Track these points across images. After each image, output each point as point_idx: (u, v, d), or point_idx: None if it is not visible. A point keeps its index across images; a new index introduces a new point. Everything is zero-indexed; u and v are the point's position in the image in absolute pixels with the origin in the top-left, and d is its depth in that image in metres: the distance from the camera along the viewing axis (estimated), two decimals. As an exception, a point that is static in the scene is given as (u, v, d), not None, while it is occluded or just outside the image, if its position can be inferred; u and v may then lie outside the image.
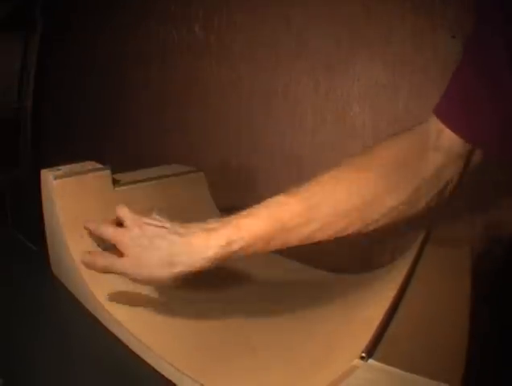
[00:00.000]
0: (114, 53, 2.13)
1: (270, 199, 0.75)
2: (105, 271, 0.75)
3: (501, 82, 0.64)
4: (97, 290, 0.87)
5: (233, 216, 0.73)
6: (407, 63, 1.14)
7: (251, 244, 0.70)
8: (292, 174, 1.54)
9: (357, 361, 0.48)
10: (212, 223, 0.73)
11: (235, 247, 0.69)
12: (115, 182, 1.03)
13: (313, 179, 0.72)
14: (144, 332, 0.78)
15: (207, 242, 0.70)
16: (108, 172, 1.01)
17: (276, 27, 1.51)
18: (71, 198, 0.95)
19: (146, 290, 0.90)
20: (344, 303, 0.81)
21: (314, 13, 1.41)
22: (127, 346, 0.79)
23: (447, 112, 0.70)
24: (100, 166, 1.02)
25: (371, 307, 0.68)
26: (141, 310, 0.85)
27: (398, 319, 0.56)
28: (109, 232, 0.76)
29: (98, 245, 0.82)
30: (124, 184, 1.04)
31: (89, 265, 0.77)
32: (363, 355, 0.48)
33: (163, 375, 0.72)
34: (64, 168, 0.98)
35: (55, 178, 0.93)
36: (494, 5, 0.64)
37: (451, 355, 0.50)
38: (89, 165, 1.02)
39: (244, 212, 0.73)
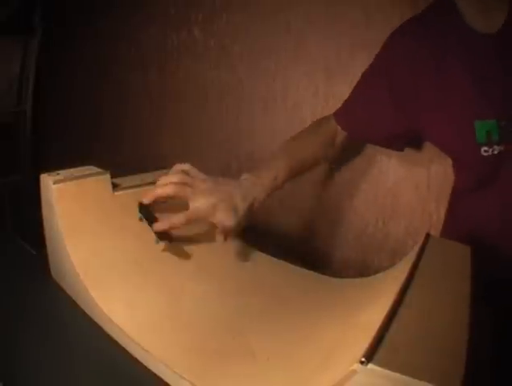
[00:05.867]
0: (114, 56, 2.14)
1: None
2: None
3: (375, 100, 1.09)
4: (96, 294, 0.87)
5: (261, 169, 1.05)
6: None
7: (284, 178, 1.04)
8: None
9: (357, 365, 0.48)
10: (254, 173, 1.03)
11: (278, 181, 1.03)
12: (114, 187, 1.03)
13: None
14: (142, 335, 0.78)
15: (262, 180, 1.01)
16: (107, 176, 1.01)
17: (276, 31, 1.51)
18: (70, 202, 0.95)
19: (144, 294, 0.90)
20: (344, 307, 0.81)
21: (314, 17, 1.41)
22: (126, 350, 0.79)
23: (339, 117, 1.17)
24: (99, 170, 1.02)
25: (371, 311, 0.68)
26: (139, 313, 0.85)
27: (398, 323, 0.56)
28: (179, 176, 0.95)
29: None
30: (123, 188, 1.04)
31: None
32: (363, 359, 0.48)
33: (161, 379, 0.72)
34: (64, 172, 0.98)
35: (55, 182, 0.93)
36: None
37: (451, 359, 0.50)
38: (89, 169, 1.02)
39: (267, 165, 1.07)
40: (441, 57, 0.96)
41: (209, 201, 0.90)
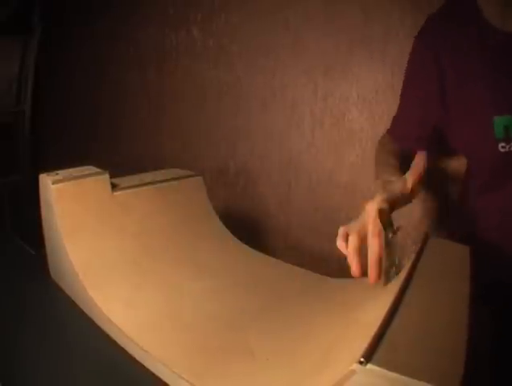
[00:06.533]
0: (112, 56, 2.14)
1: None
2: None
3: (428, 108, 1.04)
4: (96, 294, 0.87)
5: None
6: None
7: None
8: (290, 178, 1.54)
9: (356, 365, 0.48)
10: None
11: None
12: (113, 187, 1.03)
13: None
14: (142, 335, 0.78)
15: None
16: (106, 176, 1.01)
17: (274, 30, 1.51)
18: (69, 202, 0.95)
19: (143, 294, 0.90)
20: (344, 307, 0.81)
21: (312, 15, 1.41)
22: (125, 349, 0.79)
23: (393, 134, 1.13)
24: (98, 170, 1.02)
25: (370, 311, 0.68)
26: (138, 313, 0.85)
27: (397, 323, 0.56)
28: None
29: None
30: (122, 188, 1.04)
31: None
32: (362, 359, 0.48)
33: (160, 378, 0.72)
34: (63, 172, 0.98)
35: (54, 182, 0.93)
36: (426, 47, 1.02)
37: (450, 359, 0.50)
38: (87, 169, 1.02)
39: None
40: (462, 53, 0.96)
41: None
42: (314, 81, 1.44)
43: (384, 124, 1.29)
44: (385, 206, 0.81)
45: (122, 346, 0.80)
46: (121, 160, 2.02)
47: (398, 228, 0.80)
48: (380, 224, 0.78)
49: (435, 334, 0.55)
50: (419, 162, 1.03)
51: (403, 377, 0.46)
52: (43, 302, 0.95)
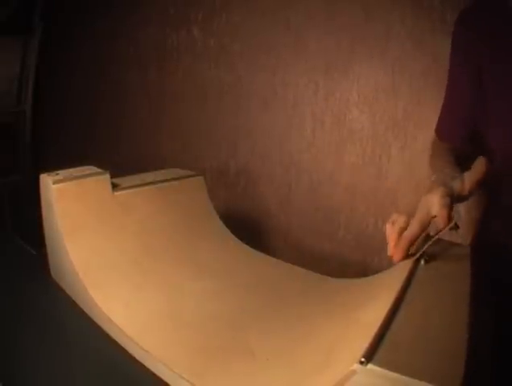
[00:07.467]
0: (112, 56, 2.13)
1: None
2: None
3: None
4: (96, 294, 0.87)
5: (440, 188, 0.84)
6: (407, 68, 1.13)
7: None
8: (290, 178, 1.54)
9: (356, 365, 0.48)
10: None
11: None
12: (114, 187, 1.03)
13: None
14: (142, 335, 0.78)
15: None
16: (107, 176, 1.01)
17: (275, 30, 1.51)
18: (70, 202, 0.95)
19: (144, 294, 0.90)
20: (344, 307, 0.81)
21: (314, 15, 1.41)
22: (125, 350, 0.79)
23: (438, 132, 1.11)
24: (99, 170, 1.02)
25: (371, 311, 0.68)
26: (139, 313, 0.85)
27: (398, 323, 0.56)
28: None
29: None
30: (123, 188, 1.04)
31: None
32: (362, 359, 0.48)
33: (160, 378, 0.72)
34: (63, 172, 0.98)
35: (55, 182, 0.93)
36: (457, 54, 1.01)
37: (450, 359, 0.50)
38: (88, 169, 1.02)
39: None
40: (496, 52, 0.94)
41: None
42: (315, 80, 1.44)
43: (385, 123, 1.29)
44: (448, 200, 0.79)
45: (123, 345, 0.79)
46: (121, 160, 2.02)
47: (457, 225, 0.78)
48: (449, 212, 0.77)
49: (435, 334, 0.55)
50: (480, 166, 0.95)
51: (404, 377, 0.46)
52: (43, 302, 0.95)
